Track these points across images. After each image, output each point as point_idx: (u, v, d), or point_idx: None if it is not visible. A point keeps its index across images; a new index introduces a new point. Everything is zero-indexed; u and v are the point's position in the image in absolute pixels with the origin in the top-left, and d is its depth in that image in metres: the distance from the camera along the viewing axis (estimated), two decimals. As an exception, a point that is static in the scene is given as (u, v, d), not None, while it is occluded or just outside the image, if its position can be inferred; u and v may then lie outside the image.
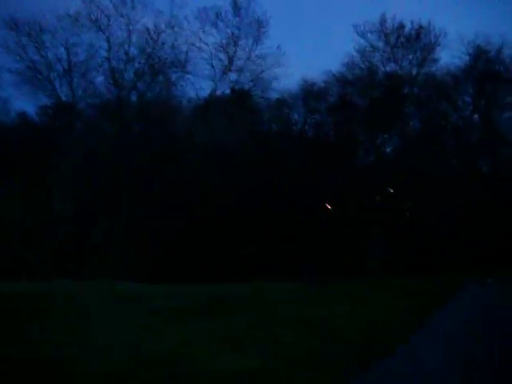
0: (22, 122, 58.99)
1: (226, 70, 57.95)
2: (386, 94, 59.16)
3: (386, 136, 60.57)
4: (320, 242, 49.71)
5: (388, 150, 61.19)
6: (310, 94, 60.39)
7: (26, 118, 59.00)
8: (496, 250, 48.39)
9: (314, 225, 50.55)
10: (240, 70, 57.97)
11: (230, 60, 57.99)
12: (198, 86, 59.84)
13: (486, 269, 47.08)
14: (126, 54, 54.96)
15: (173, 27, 55.66)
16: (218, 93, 58.58)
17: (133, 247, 48.34)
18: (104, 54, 54.78)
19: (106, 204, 49.65)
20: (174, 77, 56.66)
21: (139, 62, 55.50)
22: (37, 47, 53.87)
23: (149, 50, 55.36)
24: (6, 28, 52.63)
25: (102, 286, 27.22)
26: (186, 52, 56.54)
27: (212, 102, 59.57)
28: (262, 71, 57.15)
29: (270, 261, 45.79)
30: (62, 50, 54.42)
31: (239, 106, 59.59)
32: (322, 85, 60.11)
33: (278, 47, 59.97)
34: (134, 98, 57.82)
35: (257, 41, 57.63)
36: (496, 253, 48.22)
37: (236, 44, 57.77)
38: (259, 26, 57.77)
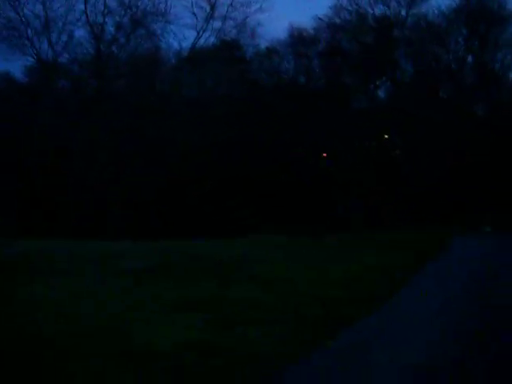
0: (8, 83, 56.95)
1: (209, 17, 55.75)
2: (376, 38, 57.45)
3: (378, 82, 58.76)
4: (306, 198, 48.31)
5: (381, 95, 59.70)
6: (299, 40, 58.55)
7: (11, 78, 56.86)
8: (493, 198, 47.16)
9: (300, 180, 49.11)
10: (223, 18, 55.78)
11: (212, 7, 55.80)
12: (180, 36, 56.74)
13: (483, 218, 45.98)
14: (104, 5, 52.69)
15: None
16: (202, 42, 56.41)
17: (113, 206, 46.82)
18: (81, 6, 52.56)
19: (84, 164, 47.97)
20: (155, 28, 54.47)
21: (119, 15, 53.32)
22: (11, 3, 51.62)
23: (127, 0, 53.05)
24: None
25: (75, 245, 25.54)
26: (166, 0, 54.35)
27: (198, 52, 57.54)
28: (247, 17, 55.19)
29: (253, 217, 44.11)
30: (39, 5, 52.22)
31: (227, 55, 57.85)
32: (312, 31, 58.31)
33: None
34: (115, 51, 55.66)
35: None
36: (493, 200, 47.00)
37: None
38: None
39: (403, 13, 57.20)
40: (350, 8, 57.31)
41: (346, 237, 35.80)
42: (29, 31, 52.19)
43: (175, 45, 57.12)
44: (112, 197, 46.86)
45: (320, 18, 57.16)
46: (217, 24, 55.97)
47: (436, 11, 56.20)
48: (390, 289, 14.40)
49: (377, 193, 49.92)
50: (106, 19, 52.99)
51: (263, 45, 57.83)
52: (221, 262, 19.18)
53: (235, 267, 18.15)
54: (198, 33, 55.53)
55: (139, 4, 53.15)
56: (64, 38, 52.63)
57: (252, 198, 47.15)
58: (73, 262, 18.77)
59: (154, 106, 50.26)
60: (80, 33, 54.61)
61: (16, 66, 65.18)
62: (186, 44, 56.62)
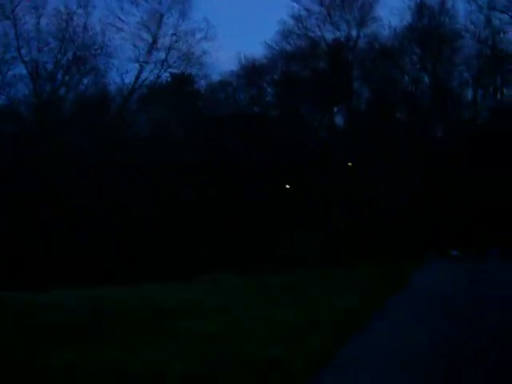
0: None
1: (151, 49, 53.46)
2: (329, 63, 56.23)
3: (334, 109, 57.12)
4: (263, 233, 46.11)
5: (338, 122, 58.43)
6: (251, 70, 57.03)
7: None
8: (461, 220, 45.33)
9: (258, 215, 46.97)
10: (167, 49, 53.60)
11: (155, 38, 53.58)
12: (122, 70, 54.33)
13: (451, 241, 44.03)
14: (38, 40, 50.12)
15: (86, 7, 51.13)
16: (146, 75, 54.04)
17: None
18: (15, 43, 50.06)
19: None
20: (97, 63, 52.13)
21: (57, 51, 50.84)
22: None
23: (62, 34, 50.66)
24: None
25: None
26: (104, 33, 52.03)
27: (148, 88, 55.35)
28: (191, 47, 53.15)
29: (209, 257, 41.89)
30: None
31: (178, 89, 55.85)
32: (263, 60, 56.93)
33: (205, 20, 55.41)
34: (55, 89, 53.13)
35: (183, 15, 53.54)
36: (462, 223, 45.19)
37: (160, 20, 53.49)
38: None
39: (353, 33, 55.80)
40: (298, 32, 55.70)
41: (301, 274, 33.21)
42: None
43: (118, 80, 53.80)
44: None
45: (269, 45, 55.54)
46: (161, 55, 53.99)
47: (387, 31, 55.05)
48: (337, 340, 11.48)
49: (338, 223, 47.67)
50: (43, 56, 50.72)
51: (212, 75, 56.08)
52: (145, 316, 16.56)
53: (159, 321, 15.51)
54: (141, 65, 53.39)
55: (76, 39, 51.02)
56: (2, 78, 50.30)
57: (208, 236, 45.24)
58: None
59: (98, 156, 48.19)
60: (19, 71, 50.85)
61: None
62: (130, 78, 53.74)
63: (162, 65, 53.69)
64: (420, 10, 55.19)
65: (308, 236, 45.24)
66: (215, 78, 56.63)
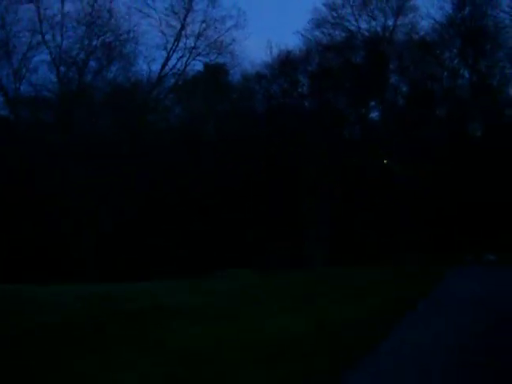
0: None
1: (179, 36, 51.91)
2: (365, 56, 53.99)
3: (371, 104, 55.02)
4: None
5: (375, 119, 56.53)
6: (285, 62, 55.15)
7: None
8: (498, 220, 43.10)
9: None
10: (196, 36, 52.10)
11: (183, 25, 52.02)
12: (149, 57, 53.07)
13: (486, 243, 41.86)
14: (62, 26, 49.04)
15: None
16: (173, 63, 52.56)
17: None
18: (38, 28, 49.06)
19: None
20: (121, 49, 50.75)
21: (83, 37, 49.67)
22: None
23: (87, 19, 49.43)
24: None
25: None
26: (130, 18, 50.86)
27: (179, 77, 53.95)
28: (221, 35, 51.62)
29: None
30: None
31: (212, 81, 54.45)
32: (298, 52, 55.13)
33: (236, 7, 54.26)
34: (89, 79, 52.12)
35: (212, 2, 51.98)
36: (498, 223, 42.97)
37: (189, 6, 51.90)
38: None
39: (390, 23, 53.69)
40: (332, 21, 53.67)
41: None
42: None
43: (145, 67, 52.69)
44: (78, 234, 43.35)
45: (303, 35, 53.70)
46: (189, 43, 52.50)
47: (426, 21, 52.73)
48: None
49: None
50: (68, 42, 49.61)
51: (243, 65, 54.50)
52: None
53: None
54: (169, 53, 51.92)
55: (102, 24, 49.76)
56: (27, 64, 49.40)
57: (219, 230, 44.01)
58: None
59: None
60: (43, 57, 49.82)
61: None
62: (157, 66, 52.44)
63: (191, 53, 52.41)
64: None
65: (319, 233, 43.65)
66: (246, 67, 55.56)
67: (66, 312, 16.29)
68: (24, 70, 49.69)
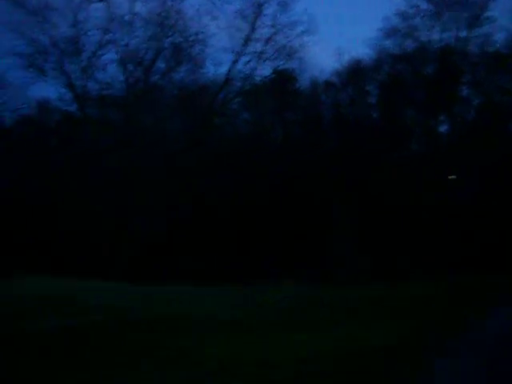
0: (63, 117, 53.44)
1: (247, 40, 51.34)
2: (437, 68, 52.54)
3: (440, 118, 53.71)
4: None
5: (443, 134, 55.02)
6: (355, 71, 54.55)
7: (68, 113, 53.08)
8: None
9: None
10: (265, 41, 51.47)
11: (252, 29, 51.46)
12: (217, 61, 52.67)
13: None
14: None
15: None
16: (240, 67, 52.08)
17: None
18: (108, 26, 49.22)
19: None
20: (190, 51, 50.54)
21: (151, 37, 49.60)
22: (42, 27, 48.55)
23: (156, 20, 49.32)
24: (10, 6, 47.70)
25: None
26: (199, 20, 50.45)
27: (246, 82, 53.38)
28: (290, 41, 50.87)
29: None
30: (70, 28, 49.15)
31: (282, 89, 53.96)
32: (368, 60, 54.28)
33: (306, 12, 53.39)
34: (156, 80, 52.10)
35: (282, 6, 51.31)
36: None
37: (258, 10, 51.32)
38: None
39: (463, 34, 52.32)
40: (402, 30, 52.47)
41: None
42: (60, 56, 49.21)
43: (212, 70, 52.47)
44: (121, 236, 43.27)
45: (374, 43, 52.72)
46: (257, 47, 51.94)
47: (501, 34, 51.23)
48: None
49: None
50: (136, 41, 49.59)
51: (312, 72, 53.57)
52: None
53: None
54: (237, 56, 51.51)
55: (171, 25, 49.56)
56: (95, 62, 49.56)
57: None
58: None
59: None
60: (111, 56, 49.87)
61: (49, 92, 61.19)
62: (224, 69, 52.01)
63: (259, 57, 51.90)
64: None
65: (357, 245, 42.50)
66: (314, 73, 54.87)
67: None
68: (92, 68, 49.97)
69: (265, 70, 53.96)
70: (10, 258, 39.22)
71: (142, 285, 27.34)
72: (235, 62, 51.67)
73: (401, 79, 53.09)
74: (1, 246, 41.56)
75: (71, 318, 15.82)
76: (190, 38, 50.33)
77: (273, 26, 51.42)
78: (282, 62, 52.49)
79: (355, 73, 54.13)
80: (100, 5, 49.45)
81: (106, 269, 39.14)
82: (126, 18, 49.56)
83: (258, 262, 41.30)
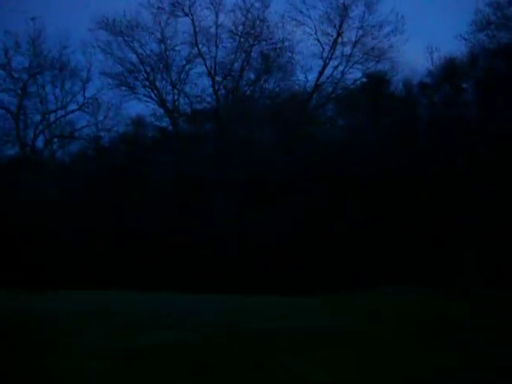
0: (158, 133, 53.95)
1: (335, 44, 50.67)
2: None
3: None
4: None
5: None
6: (450, 69, 52.39)
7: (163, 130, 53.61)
8: None
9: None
10: (353, 44, 50.76)
11: (339, 32, 50.72)
12: (306, 67, 52.11)
13: None
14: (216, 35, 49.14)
15: (264, 0, 49.45)
16: (329, 72, 51.38)
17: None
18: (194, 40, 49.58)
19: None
20: (278, 60, 50.29)
21: (238, 47, 49.59)
22: (131, 45, 49.39)
23: (241, 30, 49.32)
24: (99, 28, 48.77)
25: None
26: (284, 27, 50.06)
27: (340, 88, 52.57)
28: (378, 42, 49.89)
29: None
30: (158, 45, 49.82)
31: (375, 92, 52.80)
32: (462, 57, 52.17)
33: (394, 12, 52.07)
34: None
35: (368, 7, 50.41)
36: None
37: (344, 13, 50.54)
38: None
39: None
40: (496, 21, 50.11)
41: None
42: (150, 72, 49.80)
43: (301, 77, 52.00)
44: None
45: (467, 39, 50.70)
46: (345, 51, 51.10)
47: None
48: None
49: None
50: (223, 52, 49.72)
51: (405, 72, 52.32)
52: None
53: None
54: (325, 61, 50.80)
55: (256, 34, 49.33)
56: (184, 77, 50.01)
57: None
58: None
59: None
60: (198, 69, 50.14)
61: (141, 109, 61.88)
62: (313, 75, 51.43)
63: (348, 61, 51.13)
64: None
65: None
66: (406, 74, 53.62)
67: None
68: (182, 83, 50.41)
69: (355, 74, 53.26)
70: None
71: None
72: (324, 67, 51.21)
73: (499, 74, 50.86)
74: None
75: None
76: (277, 46, 50.22)
77: (360, 28, 50.80)
78: (371, 64, 51.75)
79: (449, 70, 52.31)
80: (186, 19, 49.99)
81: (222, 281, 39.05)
82: (212, 30, 49.93)
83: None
